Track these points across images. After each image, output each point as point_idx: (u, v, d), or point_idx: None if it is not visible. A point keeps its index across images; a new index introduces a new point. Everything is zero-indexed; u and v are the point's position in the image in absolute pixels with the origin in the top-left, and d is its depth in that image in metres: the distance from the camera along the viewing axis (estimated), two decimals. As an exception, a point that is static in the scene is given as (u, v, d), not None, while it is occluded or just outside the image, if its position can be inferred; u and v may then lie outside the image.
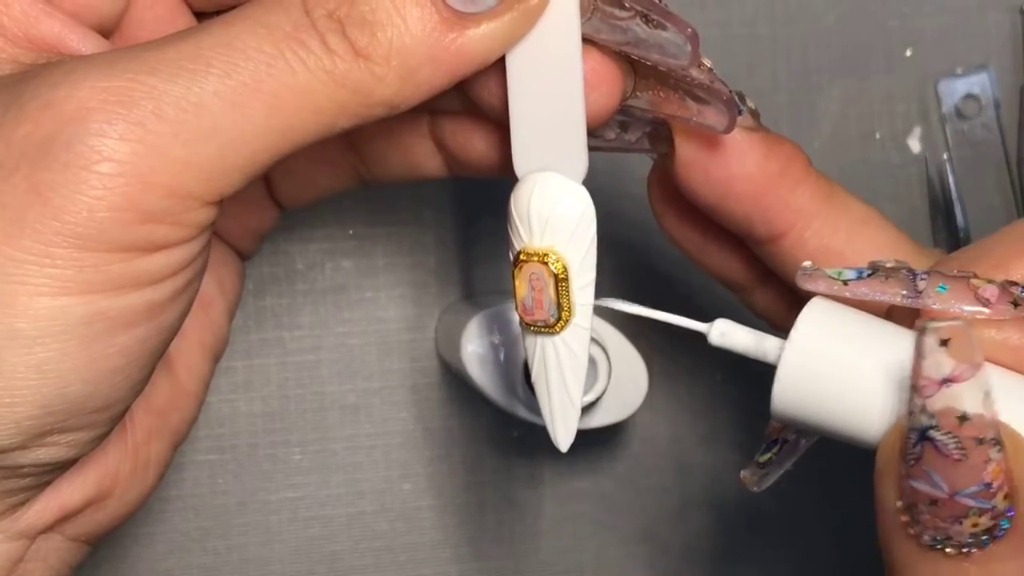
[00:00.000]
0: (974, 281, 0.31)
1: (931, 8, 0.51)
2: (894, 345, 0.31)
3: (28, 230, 0.28)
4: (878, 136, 0.51)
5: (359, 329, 0.50)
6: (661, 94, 0.34)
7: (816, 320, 0.32)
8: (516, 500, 0.51)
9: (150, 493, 0.36)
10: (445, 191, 0.50)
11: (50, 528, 0.33)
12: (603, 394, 0.44)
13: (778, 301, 0.38)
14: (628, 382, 0.46)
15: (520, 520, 0.51)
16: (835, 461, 0.52)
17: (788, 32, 0.51)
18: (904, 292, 0.32)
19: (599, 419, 0.46)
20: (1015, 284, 0.32)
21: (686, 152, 0.35)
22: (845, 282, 0.33)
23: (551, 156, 0.33)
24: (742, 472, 0.36)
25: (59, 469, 0.32)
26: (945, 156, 0.51)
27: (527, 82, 0.32)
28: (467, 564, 0.51)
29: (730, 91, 0.34)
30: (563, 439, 0.35)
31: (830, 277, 0.33)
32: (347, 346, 0.50)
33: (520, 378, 0.44)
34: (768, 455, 0.35)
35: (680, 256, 0.39)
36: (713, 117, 0.34)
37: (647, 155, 0.38)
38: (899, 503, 0.30)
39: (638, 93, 0.34)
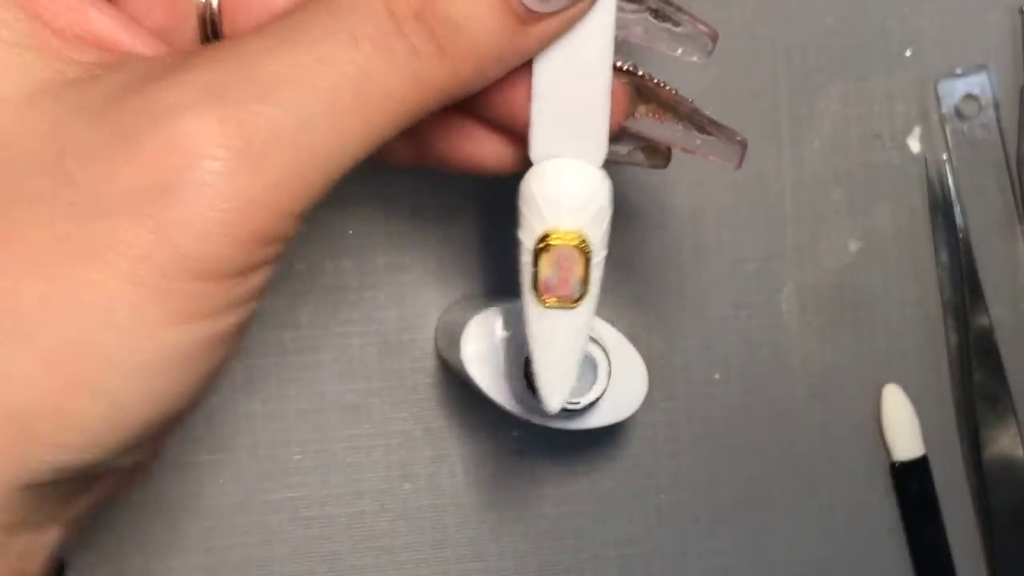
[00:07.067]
0: None
1: (931, 8, 0.51)
2: None
3: (157, 269, 0.29)
4: (878, 136, 0.51)
5: (359, 329, 0.50)
6: (664, 119, 0.35)
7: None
8: (516, 500, 0.51)
9: (149, 471, 0.37)
10: (445, 191, 0.50)
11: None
12: (603, 394, 0.44)
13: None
14: (628, 382, 0.46)
15: (520, 520, 0.51)
16: (833, 466, 0.52)
17: (788, 32, 0.51)
18: None
19: (599, 419, 0.46)
20: None
21: None
22: None
23: (573, 143, 0.34)
24: None
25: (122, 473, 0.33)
26: (945, 156, 0.51)
27: (555, 69, 0.33)
28: (467, 564, 0.51)
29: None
30: (558, 403, 0.37)
31: None
32: (347, 346, 0.50)
33: (520, 378, 0.44)
34: None
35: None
36: (719, 154, 0.35)
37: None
38: None
39: (637, 116, 0.35)
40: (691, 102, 0.36)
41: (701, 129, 0.35)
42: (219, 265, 0.29)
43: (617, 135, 0.36)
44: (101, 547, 0.49)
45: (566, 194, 0.34)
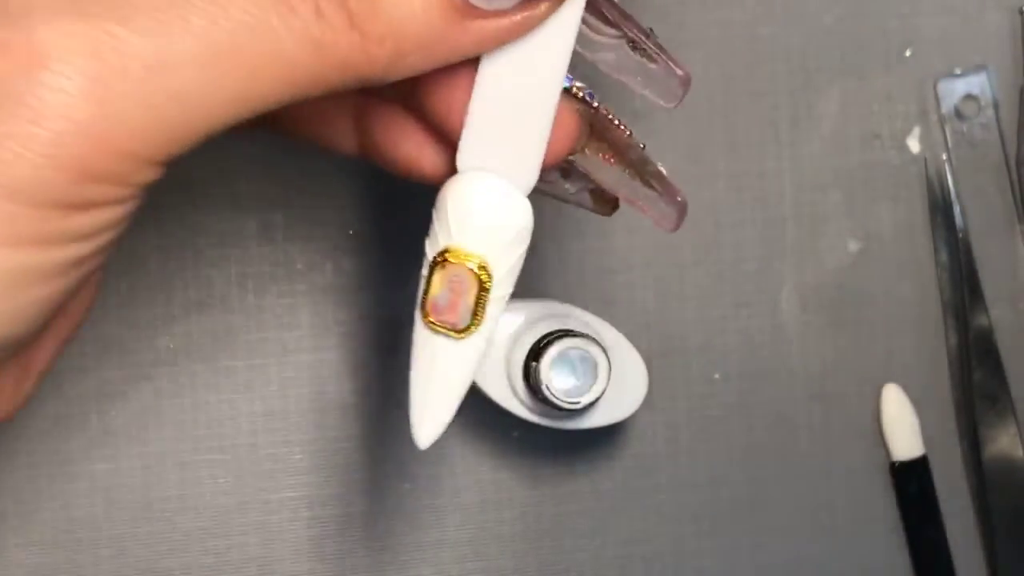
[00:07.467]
0: None
1: (931, 8, 0.51)
2: None
3: None
4: (878, 136, 0.51)
5: (359, 329, 0.50)
6: (611, 160, 0.33)
7: None
8: (516, 500, 0.51)
9: (30, 397, 0.34)
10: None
11: None
12: (603, 394, 0.44)
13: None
14: (628, 382, 0.46)
15: (520, 520, 0.51)
16: (833, 466, 0.52)
17: (788, 32, 0.51)
18: None
19: (599, 419, 0.46)
20: None
21: None
22: None
23: (503, 160, 0.31)
24: None
25: None
26: (944, 156, 0.51)
27: (501, 77, 0.31)
28: (467, 564, 0.51)
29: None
30: (426, 438, 0.34)
31: None
32: (347, 346, 0.50)
33: (520, 378, 0.44)
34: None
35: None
36: (658, 212, 0.33)
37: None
38: None
39: (587, 152, 0.33)
40: (642, 148, 0.34)
41: (645, 181, 0.33)
42: (40, 191, 0.27)
43: (567, 170, 0.34)
44: (101, 546, 0.49)
45: (477, 211, 0.31)
